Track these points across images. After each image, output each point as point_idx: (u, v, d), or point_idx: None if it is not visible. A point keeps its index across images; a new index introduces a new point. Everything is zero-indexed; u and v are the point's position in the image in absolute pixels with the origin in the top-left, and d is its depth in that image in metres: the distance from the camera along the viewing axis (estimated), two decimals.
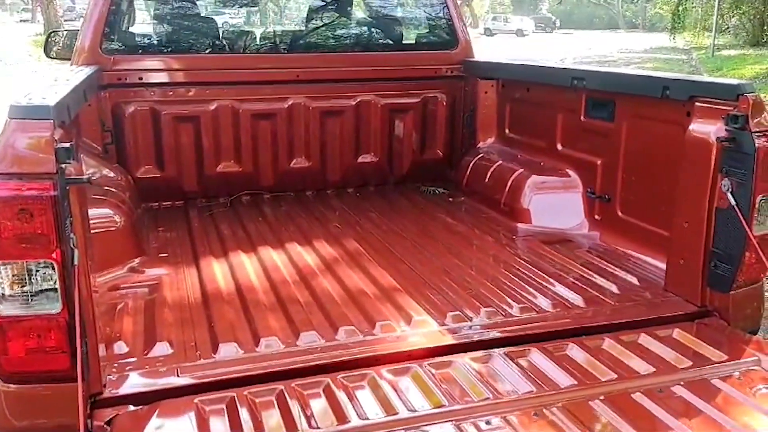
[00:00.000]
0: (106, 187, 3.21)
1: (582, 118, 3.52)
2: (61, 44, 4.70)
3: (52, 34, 4.92)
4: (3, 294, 1.83)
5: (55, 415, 1.89)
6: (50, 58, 4.83)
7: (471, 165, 4.26)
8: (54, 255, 1.81)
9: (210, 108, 4.00)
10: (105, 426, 1.89)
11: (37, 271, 1.84)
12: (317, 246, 3.36)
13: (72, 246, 1.84)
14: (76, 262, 1.84)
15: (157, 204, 4.01)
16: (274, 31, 5.05)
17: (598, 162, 3.43)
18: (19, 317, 1.83)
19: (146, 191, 3.86)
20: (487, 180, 4.03)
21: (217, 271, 3.03)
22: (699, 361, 2.27)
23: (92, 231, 2.34)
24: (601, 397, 2.04)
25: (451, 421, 1.93)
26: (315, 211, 4.01)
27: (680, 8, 26.35)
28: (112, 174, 3.50)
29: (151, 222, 3.70)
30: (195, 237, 3.51)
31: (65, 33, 4.79)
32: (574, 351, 2.32)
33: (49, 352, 1.86)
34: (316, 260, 3.18)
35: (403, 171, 4.52)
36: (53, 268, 1.83)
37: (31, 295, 1.85)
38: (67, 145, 1.80)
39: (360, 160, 4.41)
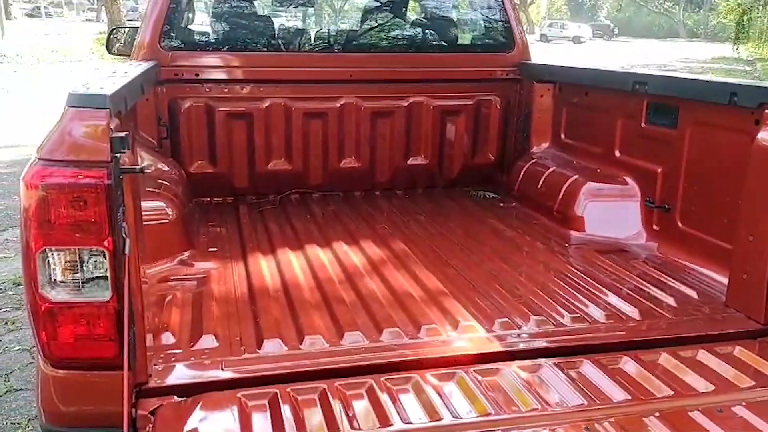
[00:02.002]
0: (160, 181, 3.25)
1: (642, 124, 3.41)
2: (122, 41, 4.81)
3: (114, 31, 5.03)
4: (55, 280, 1.85)
5: (101, 403, 1.89)
6: (112, 54, 4.94)
7: (524, 170, 4.17)
8: (106, 243, 1.82)
9: (263, 106, 4.02)
10: (149, 415, 1.89)
11: (89, 258, 1.85)
12: (364, 246, 3.34)
13: (123, 235, 1.85)
14: (127, 252, 1.84)
15: (208, 199, 4.05)
16: (329, 31, 5.05)
17: (659, 170, 3.31)
18: (69, 303, 1.85)
19: (198, 186, 3.90)
20: (539, 186, 3.94)
21: (264, 267, 3.03)
22: (762, 381, 2.15)
23: (145, 223, 2.36)
24: (656, 414, 1.95)
25: (497, 430, 1.87)
26: (363, 211, 3.99)
27: (745, 18, 25.53)
28: (166, 168, 3.54)
29: (202, 217, 3.74)
30: (244, 233, 3.52)
31: (127, 30, 4.89)
32: (628, 364, 2.23)
33: (98, 340, 1.87)
34: (362, 260, 3.15)
35: (453, 174, 4.46)
36: (104, 257, 1.84)
37: (83, 282, 1.86)
38: (122, 134, 1.81)
39: (410, 161, 4.37)
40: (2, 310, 4.94)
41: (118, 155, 1.81)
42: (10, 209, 7.16)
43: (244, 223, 3.70)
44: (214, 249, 3.23)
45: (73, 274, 1.86)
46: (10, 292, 5.20)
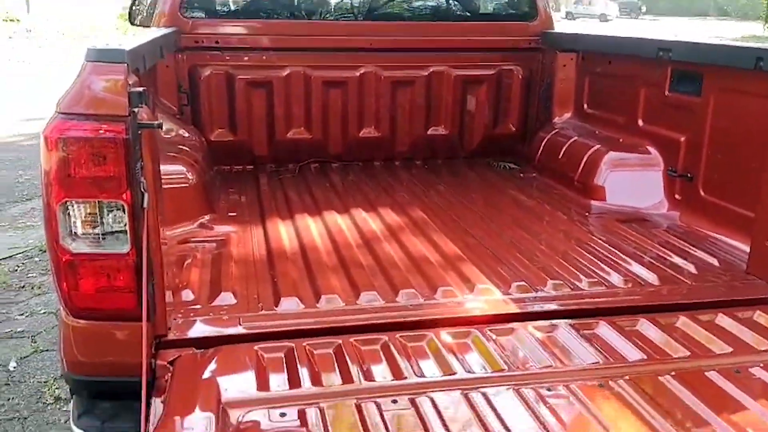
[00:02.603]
0: (181, 146, 3.28)
1: (666, 92, 3.35)
2: (144, 13, 4.83)
3: (136, 2, 5.06)
4: (76, 233, 1.88)
5: (122, 353, 1.93)
6: (134, 26, 4.98)
7: (545, 141, 4.13)
8: (124, 197, 1.84)
9: (283, 74, 4.02)
10: (168, 365, 1.93)
11: (109, 212, 1.88)
12: (383, 213, 3.34)
13: (142, 190, 1.87)
14: (145, 205, 1.87)
15: (228, 167, 4.08)
16: None
17: (682, 139, 3.26)
18: (89, 255, 1.88)
19: (219, 154, 3.93)
20: (561, 156, 3.90)
21: (283, 231, 3.05)
22: None
23: (165, 186, 2.39)
24: (672, 373, 1.94)
25: (510, 385, 1.88)
26: (382, 181, 3.99)
27: None
28: (186, 134, 3.57)
29: (223, 184, 3.77)
30: (263, 200, 3.55)
31: (149, 1, 4.91)
32: (646, 327, 2.22)
33: (117, 291, 1.90)
34: (380, 227, 3.16)
35: (474, 145, 4.43)
36: (123, 210, 1.87)
37: (102, 236, 1.89)
38: (140, 89, 1.83)
39: (430, 132, 4.35)
40: (29, 275, 5.05)
41: (136, 110, 1.83)
42: (35, 179, 7.27)
43: (263, 190, 3.73)
44: (234, 214, 3.26)
45: (93, 227, 1.89)
46: (37, 259, 5.31)
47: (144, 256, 1.86)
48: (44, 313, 4.45)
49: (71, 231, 1.87)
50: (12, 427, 3.31)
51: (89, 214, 1.87)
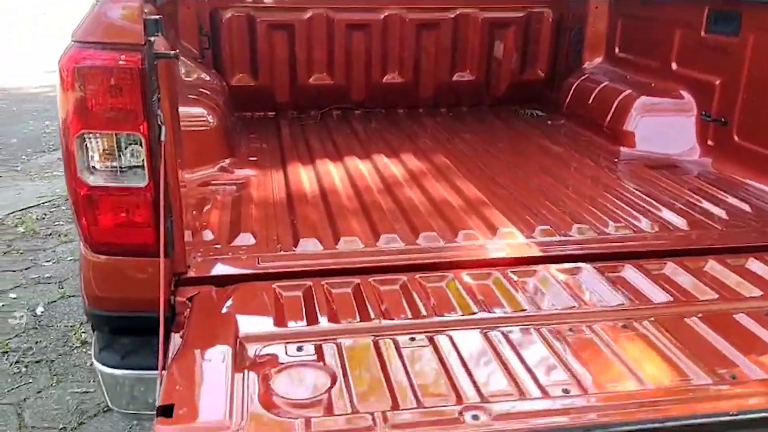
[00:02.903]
0: (202, 90, 3.24)
1: (702, 33, 3.21)
2: None
3: None
4: (93, 167, 1.86)
5: (142, 289, 1.93)
6: None
7: (574, 87, 4.01)
8: (141, 128, 1.81)
9: (304, 17, 3.93)
10: (187, 302, 1.93)
11: (126, 146, 1.86)
12: (405, 159, 3.29)
13: (159, 123, 1.84)
14: (162, 138, 1.84)
15: (250, 114, 4.04)
16: None
17: (717, 82, 3.13)
18: (107, 189, 1.86)
19: (240, 99, 3.88)
20: (590, 102, 3.79)
21: (304, 176, 3.02)
22: None
23: (185, 129, 2.35)
24: (699, 315, 1.88)
25: (531, 325, 1.84)
26: (405, 128, 3.92)
27: None
28: (207, 78, 3.52)
29: (243, 129, 3.73)
30: (284, 145, 3.51)
31: None
32: (673, 270, 2.15)
33: (136, 227, 1.89)
34: (402, 172, 3.11)
35: (501, 91, 4.32)
36: (141, 144, 1.84)
37: (120, 170, 1.87)
38: (156, 17, 1.78)
39: (455, 78, 4.25)
40: (56, 223, 5.11)
41: (152, 39, 1.79)
42: None
43: (284, 135, 3.69)
44: (255, 158, 3.23)
45: (111, 162, 1.87)
46: (63, 207, 5.37)
47: (161, 188, 1.84)
48: (71, 260, 4.51)
49: (88, 165, 1.85)
50: (40, 369, 3.39)
51: (107, 147, 1.85)
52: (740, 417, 1.43)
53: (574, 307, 1.94)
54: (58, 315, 3.89)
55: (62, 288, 4.17)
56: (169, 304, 1.93)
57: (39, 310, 3.92)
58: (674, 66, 3.43)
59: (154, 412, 1.42)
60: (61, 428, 2.98)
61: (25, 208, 5.39)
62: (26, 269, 4.40)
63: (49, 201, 5.54)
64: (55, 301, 4.03)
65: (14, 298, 4.04)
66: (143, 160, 1.86)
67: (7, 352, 3.52)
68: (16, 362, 3.42)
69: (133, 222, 1.89)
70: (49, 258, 4.56)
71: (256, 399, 1.48)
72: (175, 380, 1.51)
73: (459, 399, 1.52)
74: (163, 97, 1.86)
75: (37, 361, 3.45)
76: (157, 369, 1.60)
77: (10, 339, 3.62)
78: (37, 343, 3.61)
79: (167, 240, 1.87)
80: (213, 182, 2.86)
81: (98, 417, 3.07)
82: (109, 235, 1.91)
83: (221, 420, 1.39)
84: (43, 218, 5.22)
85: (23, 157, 6.79)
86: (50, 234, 4.93)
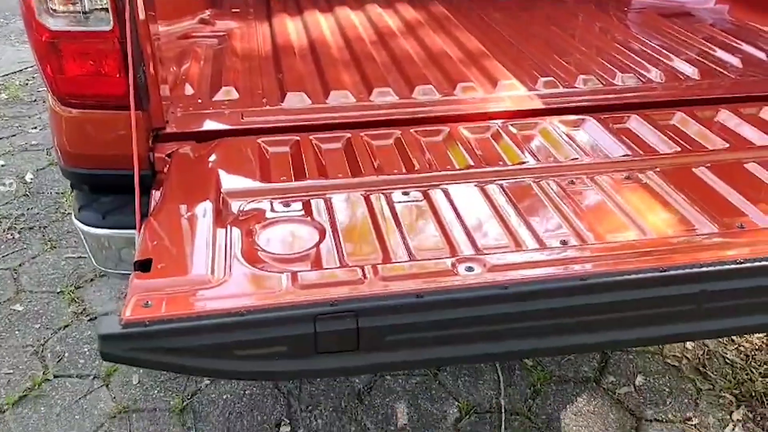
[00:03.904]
0: None
1: None
2: None
3: None
4: (54, 9, 1.70)
5: (117, 145, 1.81)
6: None
7: None
8: None
9: None
10: (166, 158, 1.82)
11: None
12: (400, 9, 3.07)
13: None
14: None
15: None
16: None
17: None
18: (71, 34, 1.70)
19: None
20: None
21: (291, 27, 2.82)
22: None
23: None
24: (707, 165, 1.78)
25: (531, 177, 1.75)
26: None
27: None
28: None
29: None
30: None
31: None
32: (682, 120, 2.03)
33: (104, 75, 1.75)
34: (397, 23, 2.90)
35: None
36: None
37: (83, 14, 1.71)
38: None
39: None
40: (40, 89, 4.92)
41: None
42: None
43: None
44: (237, 10, 3.01)
45: (73, 4, 1.70)
46: None
47: (128, 33, 1.68)
48: None
49: (47, 6, 1.68)
50: (33, 235, 3.35)
51: None
52: (747, 265, 1.35)
53: (575, 159, 1.83)
54: (48, 182, 3.81)
55: (50, 155, 4.06)
56: (147, 160, 1.83)
57: (28, 177, 3.84)
58: None
59: None
60: (59, 292, 2.98)
61: (8, 74, 5.18)
62: (12, 136, 4.27)
63: (32, 66, 5.30)
64: (43, 168, 3.94)
65: (2, 165, 3.94)
66: (107, 2, 1.69)
67: None
68: (9, 229, 3.38)
69: (101, 71, 1.74)
70: (36, 125, 4.42)
71: (240, 254, 1.41)
72: (153, 235, 1.44)
73: (453, 251, 1.45)
74: None
75: (30, 228, 3.40)
76: None
77: (1, 206, 3.57)
78: (28, 209, 3.55)
79: (139, 91, 1.73)
80: (192, 35, 2.67)
81: (96, 281, 3.06)
82: (77, 85, 1.77)
83: (202, 274, 1.32)
84: (26, 84, 5.02)
85: (1, 20, 6.47)
86: (35, 100, 4.76)
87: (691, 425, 2.32)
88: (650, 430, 2.30)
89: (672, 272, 1.32)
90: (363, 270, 1.35)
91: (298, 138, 1.92)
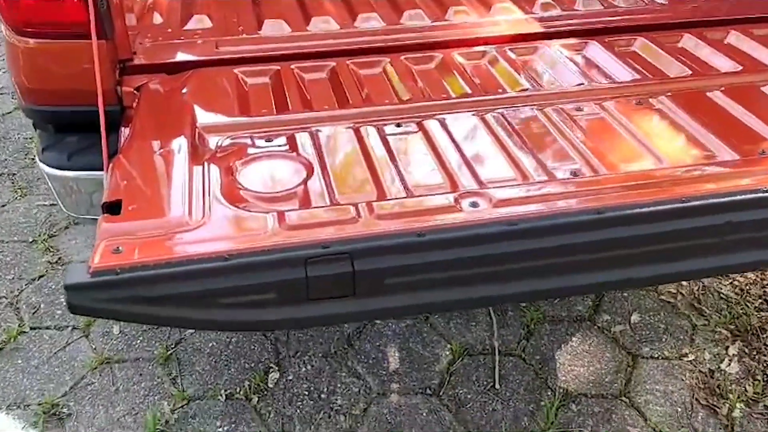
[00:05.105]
0: None
1: None
2: None
3: None
4: None
5: (79, 80, 1.65)
6: None
7: None
8: None
9: None
10: (135, 92, 1.67)
11: None
12: None
13: None
14: None
15: None
16: None
17: None
18: None
19: None
20: None
21: None
22: None
23: None
24: (721, 89, 1.66)
25: (533, 105, 1.61)
26: None
27: None
28: None
29: None
30: None
31: None
32: (692, 42, 1.90)
33: (62, 0, 1.57)
34: None
35: None
36: None
37: None
38: None
39: None
40: None
41: None
42: None
43: None
44: None
45: None
46: None
47: None
48: None
49: None
50: (2, 183, 3.18)
51: None
52: None
53: (581, 84, 1.70)
54: (15, 126, 3.61)
55: (15, 98, 3.84)
56: (114, 95, 1.67)
57: None
58: None
59: None
60: (32, 241, 2.83)
61: None
62: None
63: None
64: (10, 113, 3.73)
65: None
66: None
67: None
68: None
69: None
70: (1, 67, 4.18)
71: (220, 193, 1.28)
72: (123, 174, 1.30)
73: (454, 186, 1.33)
74: None
75: None
76: None
77: None
78: None
79: (102, 18, 1.56)
80: None
81: (70, 229, 2.91)
82: (32, 11, 1.59)
83: (179, 216, 1.19)
84: None
85: None
86: None
87: (687, 361, 2.28)
88: (646, 367, 2.25)
89: (694, 203, 1.21)
90: (357, 208, 1.23)
91: (278, 68, 1.76)
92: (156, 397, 2.16)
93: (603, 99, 1.62)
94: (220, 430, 2.07)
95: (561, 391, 2.15)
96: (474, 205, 1.23)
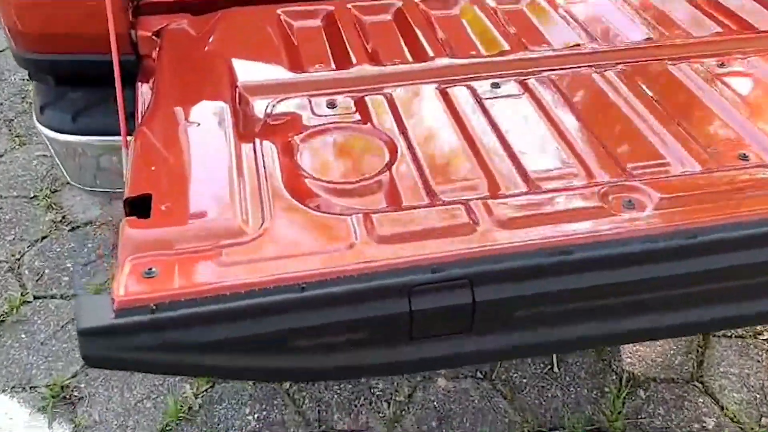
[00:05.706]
0: None
1: None
2: None
3: None
4: None
5: (83, 21, 1.37)
6: None
7: None
8: None
9: None
10: (154, 38, 1.37)
11: None
12: None
13: None
14: None
15: None
16: None
17: None
18: None
19: None
20: None
21: None
22: None
23: None
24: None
25: (668, 60, 1.28)
26: None
27: None
28: None
29: None
30: None
31: None
32: None
33: None
34: None
35: None
36: None
37: None
38: None
39: None
40: None
41: None
42: None
43: None
44: None
45: None
46: None
47: None
48: None
49: None
50: None
51: None
52: None
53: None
54: (11, 67, 3.31)
55: None
56: (128, 40, 1.38)
57: None
58: None
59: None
60: (33, 197, 2.59)
61: None
62: None
63: None
64: (3, 51, 3.41)
65: None
66: None
67: None
68: None
69: None
70: None
71: (282, 185, 0.96)
72: (148, 155, 0.99)
73: (590, 176, 1.00)
74: None
75: None
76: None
77: None
78: None
79: None
80: None
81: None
82: None
83: (229, 219, 0.87)
84: None
85: None
86: None
87: (762, 340, 2.08)
88: (718, 346, 2.05)
89: None
90: (469, 209, 0.91)
91: (332, 7, 1.44)
92: (177, 379, 1.95)
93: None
94: (249, 417, 1.87)
95: (627, 375, 1.94)
96: (630, 205, 0.91)
